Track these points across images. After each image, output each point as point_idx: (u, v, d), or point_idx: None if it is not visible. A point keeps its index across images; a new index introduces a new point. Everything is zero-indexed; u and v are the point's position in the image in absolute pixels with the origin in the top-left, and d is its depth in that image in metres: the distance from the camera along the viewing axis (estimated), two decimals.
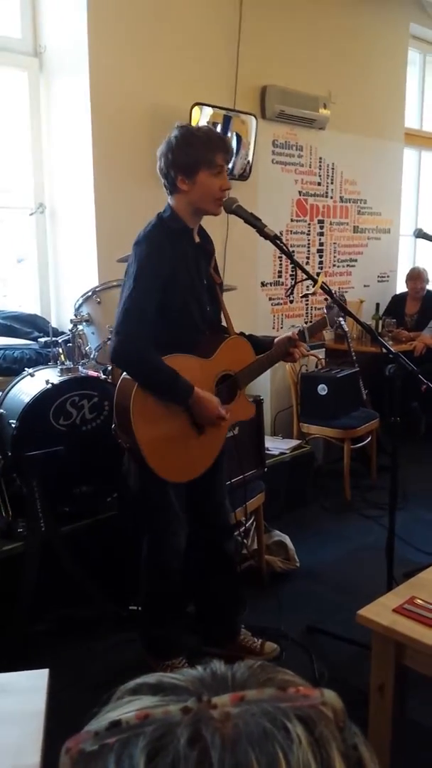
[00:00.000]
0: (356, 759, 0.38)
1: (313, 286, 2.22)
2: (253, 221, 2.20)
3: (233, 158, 4.11)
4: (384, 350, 2.34)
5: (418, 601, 1.77)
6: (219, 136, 2.20)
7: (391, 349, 2.34)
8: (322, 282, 2.23)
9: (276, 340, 2.38)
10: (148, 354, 2.04)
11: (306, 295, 4.80)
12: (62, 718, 1.45)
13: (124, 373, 2.14)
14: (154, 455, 2.10)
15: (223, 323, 2.37)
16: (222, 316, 2.35)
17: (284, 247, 2.24)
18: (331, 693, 0.40)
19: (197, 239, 2.24)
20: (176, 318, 2.13)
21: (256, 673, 0.43)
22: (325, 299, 2.44)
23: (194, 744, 0.35)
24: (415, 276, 5.45)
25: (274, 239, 2.20)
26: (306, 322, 5.00)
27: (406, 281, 5.55)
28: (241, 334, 2.39)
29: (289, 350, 2.34)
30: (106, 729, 0.38)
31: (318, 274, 2.23)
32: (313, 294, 2.09)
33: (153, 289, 2.06)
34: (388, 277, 5.84)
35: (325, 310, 2.39)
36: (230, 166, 4.08)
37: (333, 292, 2.34)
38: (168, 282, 2.08)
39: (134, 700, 0.41)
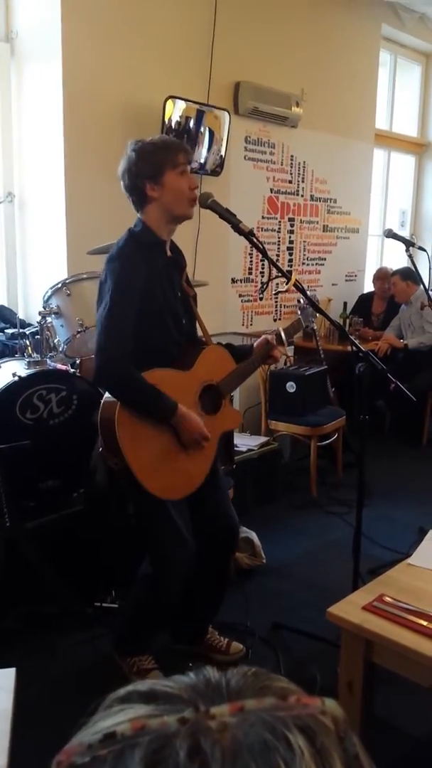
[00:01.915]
0: None
1: (287, 284, 2.22)
2: (228, 216, 2.19)
3: (206, 154, 4.09)
4: (353, 348, 2.35)
5: (387, 598, 1.79)
6: (175, 140, 2.27)
7: (362, 348, 2.36)
8: (296, 280, 2.23)
9: (255, 344, 2.39)
10: (131, 374, 2.01)
11: (279, 293, 4.81)
12: (26, 717, 1.43)
13: (106, 393, 2.10)
14: (147, 475, 2.05)
15: (200, 335, 2.35)
16: (198, 327, 2.34)
17: (259, 244, 2.23)
18: (332, 701, 0.39)
19: (169, 253, 2.21)
20: (153, 332, 2.11)
21: (251, 681, 0.42)
22: (298, 299, 2.44)
23: (194, 757, 0.34)
24: (383, 276, 5.51)
25: (249, 235, 2.19)
26: (276, 320, 5.01)
27: (374, 281, 5.62)
28: (219, 344, 2.37)
29: (269, 353, 2.36)
30: (100, 741, 0.36)
31: (290, 272, 2.22)
32: (286, 291, 2.09)
33: (130, 305, 2.03)
34: (355, 276, 5.89)
35: (299, 312, 2.39)
36: (203, 161, 4.08)
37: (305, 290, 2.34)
38: (144, 297, 2.06)
39: (126, 709, 0.39)
